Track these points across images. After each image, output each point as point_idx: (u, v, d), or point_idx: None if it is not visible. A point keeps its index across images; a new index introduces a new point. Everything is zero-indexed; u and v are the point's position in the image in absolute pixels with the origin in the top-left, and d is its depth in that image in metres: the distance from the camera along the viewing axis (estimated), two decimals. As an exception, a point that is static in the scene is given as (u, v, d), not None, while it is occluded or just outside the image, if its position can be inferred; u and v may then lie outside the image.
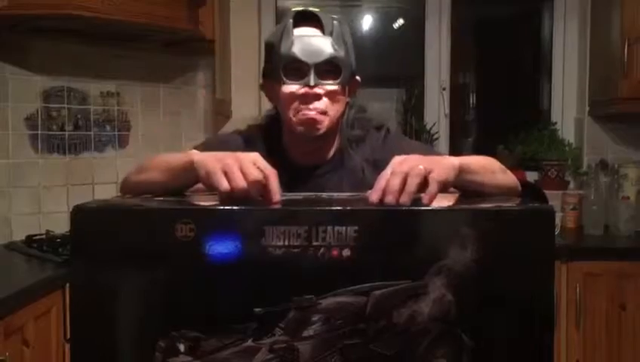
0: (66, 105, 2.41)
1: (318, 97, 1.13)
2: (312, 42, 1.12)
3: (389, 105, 3.06)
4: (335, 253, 0.80)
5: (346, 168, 1.23)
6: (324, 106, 1.14)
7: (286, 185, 1.18)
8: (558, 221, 2.55)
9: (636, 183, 2.54)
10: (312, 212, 0.82)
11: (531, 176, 2.79)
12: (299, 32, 1.14)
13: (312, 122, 1.14)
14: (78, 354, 0.83)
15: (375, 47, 3.22)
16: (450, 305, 0.80)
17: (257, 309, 0.80)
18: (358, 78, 1.23)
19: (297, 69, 1.12)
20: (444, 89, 2.92)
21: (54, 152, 2.39)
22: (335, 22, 1.15)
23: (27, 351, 1.61)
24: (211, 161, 0.88)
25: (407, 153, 0.93)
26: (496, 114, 3.24)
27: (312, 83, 1.11)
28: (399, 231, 0.81)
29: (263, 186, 0.86)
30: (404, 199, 0.83)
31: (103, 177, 2.51)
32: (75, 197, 2.41)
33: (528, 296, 0.82)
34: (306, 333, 0.81)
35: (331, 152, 1.24)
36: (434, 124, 2.90)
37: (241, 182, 0.84)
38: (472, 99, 3.25)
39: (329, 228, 0.80)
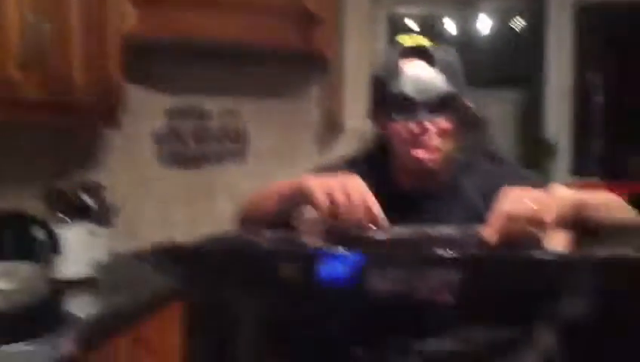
0: (188, 122, 2.57)
1: (430, 134, 1.12)
2: (422, 79, 1.10)
3: (507, 107, 2.95)
4: (438, 298, 0.79)
5: (457, 196, 1.20)
6: (436, 142, 1.13)
7: (395, 213, 1.18)
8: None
9: None
10: (414, 257, 0.82)
11: (666, 190, 2.57)
12: (409, 67, 1.12)
13: (425, 160, 1.14)
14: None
15: (492, 48, 3.17)
16: (558, 356, 0.76)
17: (356, 350, 0.81)
18: (469, 104, 1.20)
19: (408, 106, 1.11)
20: (564, 96, 2.77)
21: (178, 167, 2.55)
22: (445, 56, 1.12)
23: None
24: (317, 184, 0.95)
25: (519, 186, 0.91)
26: (628, 120, 3.01)
27: (423, 121, 1.10)
28: (504, 279, 0.78)
29: (364, 210, 0.90)
30: (514, 243, 0.81)
31: (222, 190, 2.64)
32: (196, 209, 2.57)
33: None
34: (406, 378, 0.81)
35: (442, 180, 1.21)
36: (553, 134, 2.75)
37: (342, 202, 0.90)
38: (601, 102, 3.04)
39: (433, 272, 0.80)
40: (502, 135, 2.95)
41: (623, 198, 1.02)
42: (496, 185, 1.11)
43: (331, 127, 2.78)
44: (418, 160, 1.13)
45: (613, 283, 0.75)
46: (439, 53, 1.13)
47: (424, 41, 1.14)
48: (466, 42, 3.24)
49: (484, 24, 3.23)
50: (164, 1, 2.15)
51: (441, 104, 1.11)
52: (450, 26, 3.26)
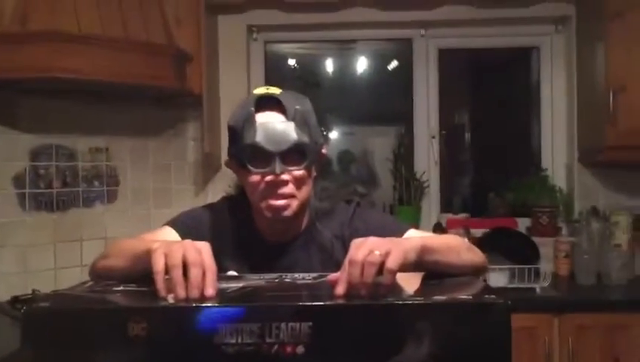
0: (54, 163, 2.43)
1: (284, 183, 1.13)
2: (275, 129, 1.11)
3: (389, 140, 3.06)
4: (289, 349, 0.79)
5: (315, 243, 1.23)
6: (291, 191, 1.14)
7: (257, 262, 1.19)
8: (550, 269, 2.53)
9: (627, 231, 2.52)
10: (264, 308, 0.81)
11: (523, 223, 2.77)
12: (261, 118, 1.12)
13: (281, 209, 1.14)
14: None
15: (371, 88, 3.30)
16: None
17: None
18: (324, 151, 1.23)
19: (262, 156, 1.12)
20: (433, 137, 2.92)
21: (42, 210, 2.39)
22: (297, 106, 1.13)
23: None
24: (158, 248, 0.89)
25: (370, 232, 0.94)
26: (489, 159, 3.25)
27: (277, 171, 1.11)
28: (352, 327, 0.79)
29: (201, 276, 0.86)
30: (363, 292, 0.83)
31: (91, 233, 2.51)
32: (62, 254, 2.42)
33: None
34: None
35: (301, 227, 1.24)
36: (423, 173, 2.89)
37: (177, 263, 0.85)
38: (466, 141, 3.26)
39: (282, 324, 0.79)
40: (384, 169, 3.07)
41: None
42: (353, 231, 1.17)
43: (207, 166, 2.75)
44: (274, 208, 1.14)
45: (444, 327, 0.78)
46: (291, 102, 1.13)
47: (276, 91, 1.15)
48: (344, 81, 3.35)
49: (361, 64, 3.36)
50: (25, 39, 2.04)
51: (295, 153, 1.12)
52: (328, 64, 3.36)
